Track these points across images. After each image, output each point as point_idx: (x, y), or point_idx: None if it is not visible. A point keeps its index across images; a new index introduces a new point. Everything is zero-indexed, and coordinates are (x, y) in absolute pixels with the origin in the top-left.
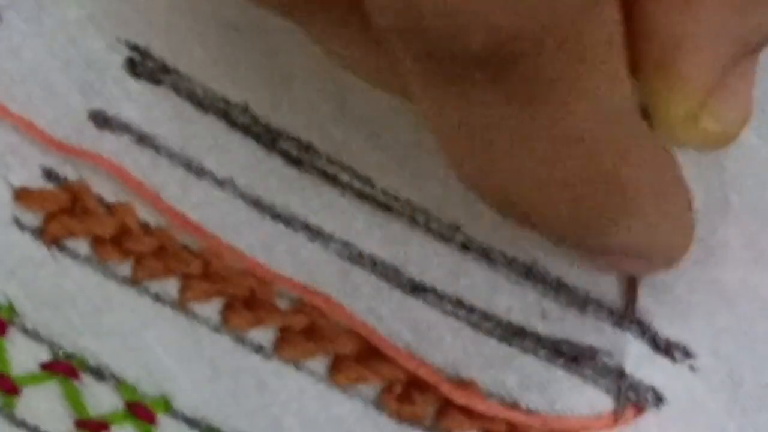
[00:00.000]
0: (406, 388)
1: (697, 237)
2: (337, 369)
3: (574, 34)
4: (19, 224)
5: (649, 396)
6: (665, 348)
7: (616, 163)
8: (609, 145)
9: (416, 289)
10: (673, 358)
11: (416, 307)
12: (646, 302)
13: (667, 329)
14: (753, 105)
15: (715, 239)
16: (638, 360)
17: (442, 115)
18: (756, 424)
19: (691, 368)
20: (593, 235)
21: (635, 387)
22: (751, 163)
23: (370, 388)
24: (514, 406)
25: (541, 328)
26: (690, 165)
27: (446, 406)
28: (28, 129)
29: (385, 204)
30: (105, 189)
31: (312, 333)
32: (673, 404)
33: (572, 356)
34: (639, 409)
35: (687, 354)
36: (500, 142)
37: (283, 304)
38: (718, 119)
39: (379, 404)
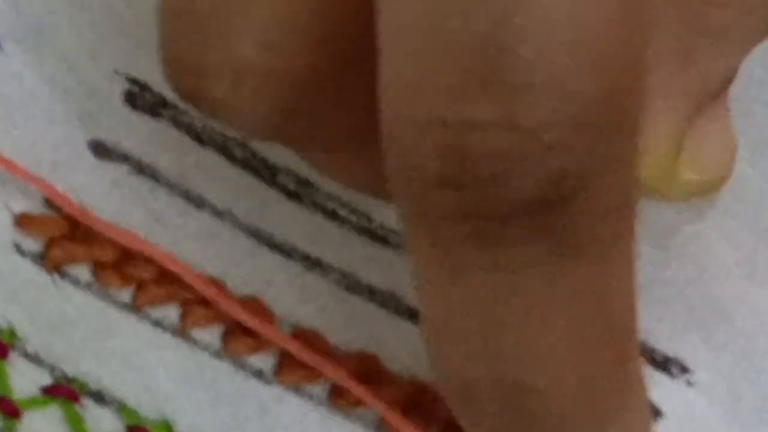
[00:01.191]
0: (405, 408)
1: (692, 255)
2: (337, 393)
3: (628, 165)
4: (20, 250)
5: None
6: (662, 363)
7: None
8: (633, 321)
9: (414, 316)
10: (670, 373)
11: (415, 332)
12: (643, 319)
13: (664, 345)
14: (735, 142)
15: (710, 257)
16: None
17: (448, 287)
18: None
19: (689, 383)
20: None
21: None
22: (744, 187)
23: (371, 412)
24: None
25: None
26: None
27: (449, 427)
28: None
29: (382, 237)
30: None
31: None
32: (671, 419)
33: None
34: None
35: (684, 369)
36: (517, 315)
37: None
38: (697, 168)
39: (379, 428)
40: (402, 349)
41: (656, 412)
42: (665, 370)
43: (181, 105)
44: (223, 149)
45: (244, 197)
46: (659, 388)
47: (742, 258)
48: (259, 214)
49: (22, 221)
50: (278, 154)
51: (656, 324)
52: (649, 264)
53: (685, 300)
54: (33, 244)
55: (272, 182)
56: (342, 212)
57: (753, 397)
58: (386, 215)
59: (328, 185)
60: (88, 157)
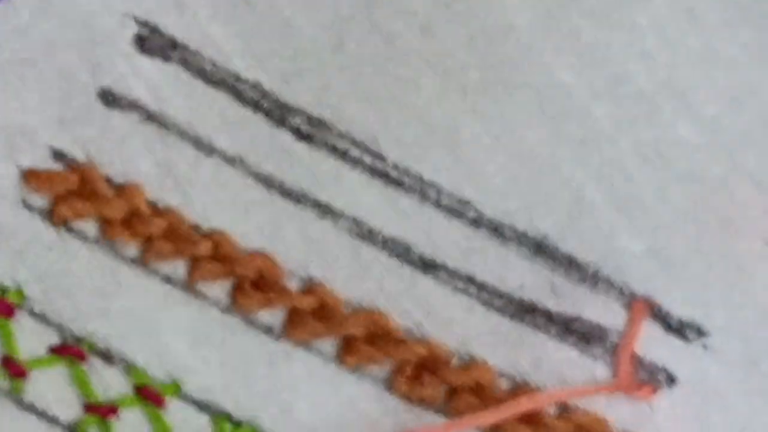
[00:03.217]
0: (417, 369)
1: (714, 206)
2: (346, 350)
3: None
4: (27, 206)
5: (661, 377)
6: (677, 328)
7: None
8: None
9: (427, 266)
10: (685, 337)
11: (427, 285)
12: (660, 281)
13: (679, 308)
14: None
15: (733, 208)
16: (649, 340)
17: None
18: None
19: (705, 347)
20: None
21: (647, 368)
22: None
23: (381, 370)
24: (524, 385)
25: (552, 305)
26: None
27: (457, 387)
28: None
29: (395, 179)
30: (113, 169)
31: (322, 314)
32: (685, 385)
33: (583, 334)
34: (651, 389)
35: (700, 333)
36: None
37: (292, 285)
38: None
39: (389, 386)
40: (414, 305)
41: (671, 379)
42: (681, 335)
43: (191, 46)
44: (234, 90)
45: (255, 141)
46: (674, 353)
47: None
48: (269, 160)
49: (30, 177)
50: (290, 93)
51: (672, 286)
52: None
53: (704, 258)
54: (40, 200)
55: (283, 123)
56: (354, 152)
57: None
58: (400, 154)
59: (340, 124)
60: (98, 107)
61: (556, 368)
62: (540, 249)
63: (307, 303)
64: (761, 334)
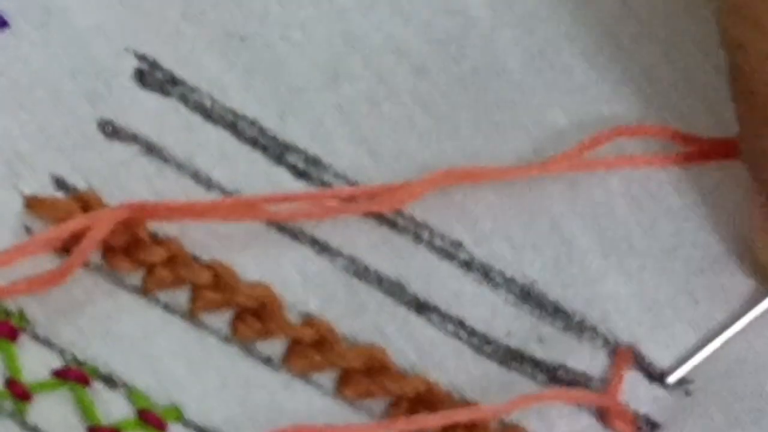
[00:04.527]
0: (413, 404)
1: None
2: (345, 383)
3: None
4: (30, 232)
5: (644, 424)
6: (660, 377)
7: None
8: None
9: (421, 307)
10: (667, 386)
11: (420, 326)
12: (642, 331)
13: (663, 355)
14: None
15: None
16: (632, 389)
17: None
18: None
19: (687, 393)
20: None
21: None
22: None
23: (378, 403)
24: (514, 429)
25: (539, 353)
26: None
27: (452, 425)
28: None
29: (389, 219)
30: (113, 199)
31: (321, 346)
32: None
33: (568, 382)
34: None
35: (683, 380)
36: None
37: (292, 317)
38: None
39: (386, 419)
40: (408, 344)
41: (653, 426)
42: (663, 383)
43: (190, 82)
44: (232, 127)
45: (253, 177)
46: (657, 401)
47: None
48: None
49: (33, 204)
50: (286, 130)
51: (652, 336)
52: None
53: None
54: (43, 227)
55: (280, 160)
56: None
57: (752, 395)
58: None
59: (336, 164)
60: (98, 137)
61: (545, 414)
62: (528, 296)
63: (307, 335)
64: (741, 381)
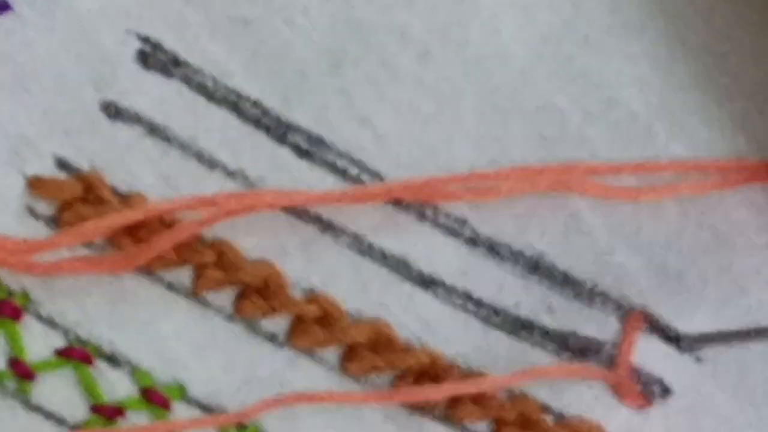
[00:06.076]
0: (418, 378)
1: (710, 223)
2: (349, 358)
3: None
4: (33, 213)
5: (656, 388)
6: (674, 339)
7: None
8: None
9: (426, 282)
10: (680, 349)
11: (426, 300)
12: (656, 294)
13: (675, 321)
14: None
15: (728, 225)
16: (645, 352)
17: None
18: (765, 417)
19: (698, 360)
20: None
21: (642, 379)
22: None
23: (383, 378)
24: (522, 398)
25: (549, 321)
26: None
27: (457, 396)
28: None
29: (394, 197)
30: (117, 180)
31: (325, 322)
32: (679, 396)
33: (579, 349)
34: (646, 400)
35: (694, 345)
36: None
37: (296, 293)
38: None
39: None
40: (413, 319)
41: (665, 390)
42: (677, 346)
43: (193, 63)
44: (235, 108)
45: (256, 157)
46: (669, 364)
47: (762, 226)
48: (270, 175)
49: (35, 184)
50: (290, 112)
51: (668, 299)
52: (666, 231)
53: (700, 272)
54: (46, 208)
55: (283, 140)
56: (353, 171)
57: (762, 374)
58: (397, 174)
59: (340, 143)
60: (101, 119)
61: (554, 383)
62: (536, 267)
63: (311, 311)
64: (752, 348)
